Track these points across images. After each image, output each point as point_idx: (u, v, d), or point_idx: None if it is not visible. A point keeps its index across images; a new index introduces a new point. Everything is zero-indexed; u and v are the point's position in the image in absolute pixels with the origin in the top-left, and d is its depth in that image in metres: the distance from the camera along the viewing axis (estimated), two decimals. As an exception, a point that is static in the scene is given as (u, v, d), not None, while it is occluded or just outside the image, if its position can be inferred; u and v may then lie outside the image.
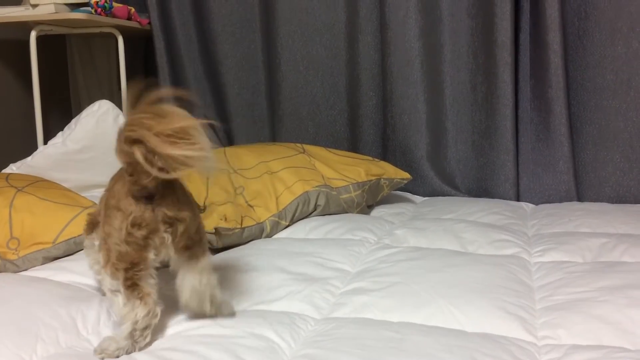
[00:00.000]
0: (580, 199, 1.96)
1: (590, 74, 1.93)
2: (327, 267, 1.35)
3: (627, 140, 1.89)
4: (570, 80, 1.94)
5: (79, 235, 1.42)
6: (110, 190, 1.02)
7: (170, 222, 0.98)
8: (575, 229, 1.59)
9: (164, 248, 0.99)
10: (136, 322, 0.95)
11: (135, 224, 0.95)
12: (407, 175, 1.92)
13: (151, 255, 0.97)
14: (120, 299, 0.97)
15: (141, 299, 0.96)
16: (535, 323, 1.05)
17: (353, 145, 2.20)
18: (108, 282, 0.98)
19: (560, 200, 1.94)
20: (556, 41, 1.88)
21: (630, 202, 1.88)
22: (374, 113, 2.16)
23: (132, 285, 0.96)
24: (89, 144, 1.98)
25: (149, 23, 2.32)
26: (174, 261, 1.02)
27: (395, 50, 2.06)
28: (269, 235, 1.62)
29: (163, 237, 0.98)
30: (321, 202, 1.74)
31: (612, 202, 1.90)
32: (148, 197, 0.96)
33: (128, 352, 0.95)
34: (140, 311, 0.95)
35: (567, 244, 1.43)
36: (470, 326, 1.04)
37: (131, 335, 0.95)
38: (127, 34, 2.29)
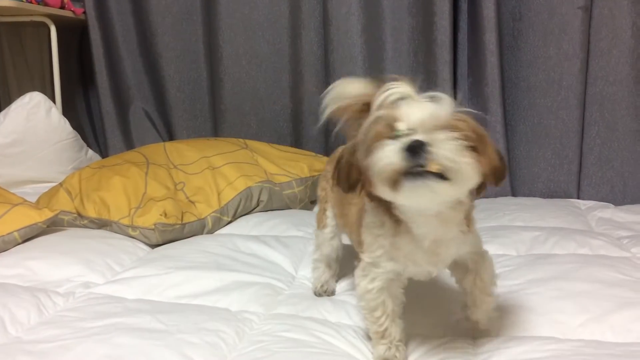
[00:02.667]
0: (514, 194, 2.03)
1: (524, 74, 2.00)
2: (270, 265, 1.35)
3: (558, 138, 1.97)
4: (505, 79, 2.00)
5: (7, 234, 1.36)
6: None
7: None
8: (509, 222, 1.65)
9: None
10: None
11: None
12: (349, 171, 1.93)
13: None
14: None
15: None
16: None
17: (296, 141, 2.20)
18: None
19: (496, 196, 2.01)
20: (492, 41, 1.93)
21: (561, 197, 1.97)
22: (317, 109, 2.16)
23: None
24: (19, 137, 1.89)
25: (84, 12, 2.24)
26: None
27: (338, 47, 2.07)
28: (211, 231, 1.60)
29: None
30: (264, 197, 1.73)
31: (544, 197, 1.98)
32: None
33: None
34: None
35: (502, 237, 1.48)
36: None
37: None
38: (61, 23, 2.19)
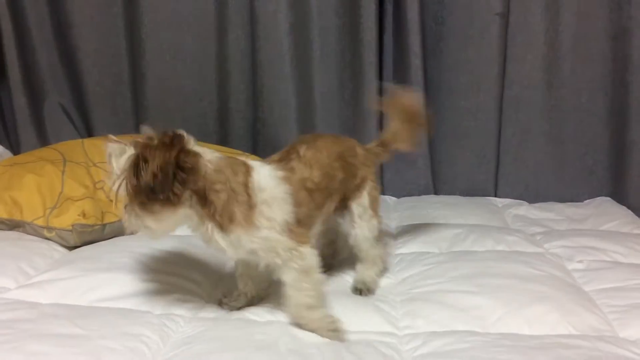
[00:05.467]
0: (436, 192, 2.10)
1: (446, 76, 2.06)
2: (196, 265, 1.32)
3: (477, 139, 2.05)
4: (428, 81, 2.06)
5: None
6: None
7: None
8: (432, 220, 1.70)
9: None
10: None
11: None
12: (276, 169, 1.92)
13: None
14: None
15: None
16: (396, 314, 1.11)
17: (223, 139, 2.16)
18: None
19: (420, 194, 2.06)
20: (416, 44, 1.98)
21: (480, 195, 2.05)
22: (244, 107, 2.14)
23: None
24: None
25: (-6, -1, 2.10)
26: None
27: (265, 45, 2.05)
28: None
29: None
30: (189, 197, 1.69)
31: (464, 195, 2.05)
32: None
33: None
34: None
35: (424, 235, 1.52)
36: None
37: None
38: (-33, 10, 2.04)
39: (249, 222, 0.99)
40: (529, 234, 1.58)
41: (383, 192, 2.10)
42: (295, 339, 1.00)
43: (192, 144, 1.02)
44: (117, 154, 0.97)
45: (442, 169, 2.09)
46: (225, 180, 0.99)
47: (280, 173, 1.07)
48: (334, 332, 1.02)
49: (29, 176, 1.53)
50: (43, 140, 2.19)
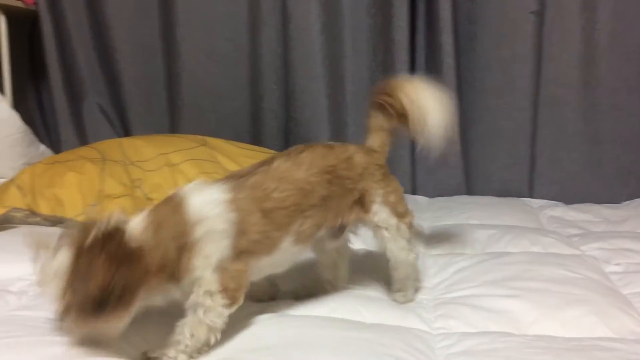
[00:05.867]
0: (469, 192, 2.08)
1: (479, 75, 2.05)
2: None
3: (511, 138, 2.03)
4: (461, 81, 2.05)
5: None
6: None
7: None
8: (465, 221, 1.69)
9: None
10: None
11: None
12: (309, 169, 1.94)
13: None
14: None
15: None
16: (430, 316, 1.11)
17: (255, 138, 2.18)
18: None
19: (452, 194, 2.05)
20: (449, 42, 1.97)
21: (513, 196, 2.03)
22: (276, 106, 2.16)
23: None
24: (-34, 132, 1.82)
25: (35, 3, 2.16)
26: None
27: (297, 44, 2.07)
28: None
29: None
30: (223, 196, 1.72)
31: (498, 196, 2.03)
32: None
33: None
34: None
35: (458, 236, 1.52)
36: (370, 319, 1.08)
37: None
38: (10, 14, 2.11)
39: (190, 265, 0.90)
40: (565, 235, 1.56)
41: (414, 192, 2.10)
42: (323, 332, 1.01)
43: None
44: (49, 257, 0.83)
45: (475, 169, 2.08)
46: (159, 237, 0.88)
47: (225, 196, 0.95)
48: None
49: (70, 174, 1.58)
50: (82, 139, 2.25)
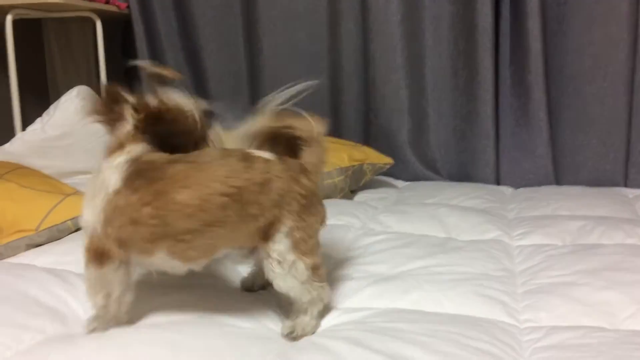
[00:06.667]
0: (558, 182, 2.00)
1: (568, 60, 1.96)
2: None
3: (604, 125, 1.93)
4: (549, 66, 1.96)
5: (62, 222, 1.41)
6: None
7: None
8: (554, 212, 1.62)
9: None
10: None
11: None
12: (389, 160, 1.93)
13: None
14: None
15: None
16: (517, 307, 1.07)
17: (336, 130, 2.20)
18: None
19: (539, 184, 1.98)
20: (536, 27, 1.90)
21: (607, 186, 1.93)
22: (356, 98, 2.17)
23: None
24: (68, 130, 1.95)
25: (128, 7, 2.29)
26: None
27: (377, 36, 2.06)
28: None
29: None
30: (305, 187, 1.74)
31: (589, 186, 1.94)
32: None
33: None
34: None
35: (546, 227, 1.46)
36: (454, 311, 1.06)
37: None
38: (105, 18, 2.25)
39: None
40: (664, 227, 1.46)
41: (498, 182, 2.04)
42: (410, 325, 1.00)
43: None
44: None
45: (564, 158, 1.99)
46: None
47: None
48: None
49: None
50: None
